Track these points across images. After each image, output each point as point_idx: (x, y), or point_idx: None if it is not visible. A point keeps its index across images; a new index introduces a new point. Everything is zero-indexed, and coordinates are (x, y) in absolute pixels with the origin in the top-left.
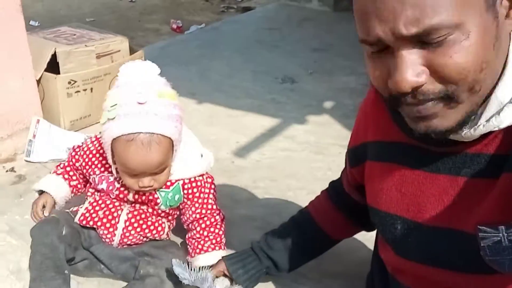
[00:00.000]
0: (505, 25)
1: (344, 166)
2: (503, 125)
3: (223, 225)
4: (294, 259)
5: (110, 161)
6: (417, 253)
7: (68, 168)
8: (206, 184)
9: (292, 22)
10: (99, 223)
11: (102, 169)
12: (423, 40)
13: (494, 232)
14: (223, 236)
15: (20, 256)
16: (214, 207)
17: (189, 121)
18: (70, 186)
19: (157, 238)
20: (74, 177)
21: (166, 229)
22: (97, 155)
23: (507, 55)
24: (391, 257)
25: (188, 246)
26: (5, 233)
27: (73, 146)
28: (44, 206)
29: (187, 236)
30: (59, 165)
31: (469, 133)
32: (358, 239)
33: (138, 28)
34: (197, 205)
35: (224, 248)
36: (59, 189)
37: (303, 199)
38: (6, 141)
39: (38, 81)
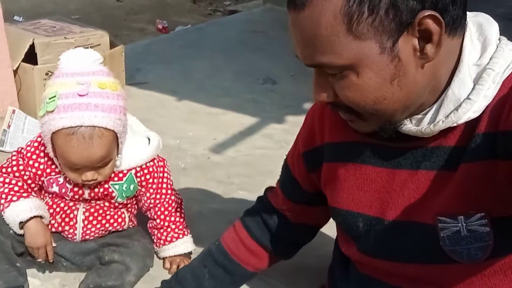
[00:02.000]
0: (446, 46)
1: (279, 179)
2: (461, 120)
3: (182, 210)
4: None
5: (51, 155)
6: (379, 249)
7: (21, 184)
8: (159, 168)
9: (278, 26)
10: (59, 228)
11: (48, 170)
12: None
13: (453, 222)
14: (184, 222)
15: None
16: (169, 191)
17: (169, 117)
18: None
19: (119, 229)
20: (30, 190)
21: (127, 219)
22: (42, 154)
23: (460, 55)
24: (354, 252)
25: (152, 236)
26: None
27: (14, 152)
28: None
29: (148, 226)
30: (4, 183)
31: (428, 129)
32: (328, 234)
33: (123, 27)
34: (151, 190)
35: (188, 234)
36: (40, 207)
37: None
38: None
39: (15, 72)
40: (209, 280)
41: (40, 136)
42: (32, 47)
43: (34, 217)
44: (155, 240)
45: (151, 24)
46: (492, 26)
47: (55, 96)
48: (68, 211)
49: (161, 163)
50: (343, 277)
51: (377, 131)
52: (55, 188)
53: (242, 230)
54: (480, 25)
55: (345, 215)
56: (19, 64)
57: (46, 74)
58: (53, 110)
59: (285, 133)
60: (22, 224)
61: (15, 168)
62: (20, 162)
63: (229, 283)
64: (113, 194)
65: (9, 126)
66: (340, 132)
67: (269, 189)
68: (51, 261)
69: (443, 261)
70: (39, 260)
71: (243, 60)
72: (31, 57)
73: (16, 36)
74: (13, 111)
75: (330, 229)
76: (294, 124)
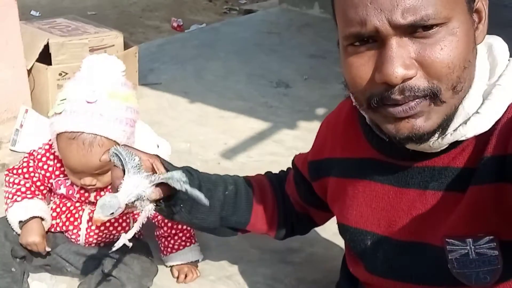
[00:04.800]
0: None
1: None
2: (470, 134)
3: None
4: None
5: (58, 153)
6: (386, 268)
7: (29, 185)
8: None
9: (292, 27)
10: (64, 228)
11: (57, 172)
12: (416, 31)
13: (462, 244)
14: (191, 230)
15: None
16: None
17: (179, 120)
18: (42, 200)
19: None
20: (37, 192)
21: (132, 224)
22: (52, 157)
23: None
24: (361, 271)
25: (159, 244)
26: None
27: (27, 153)
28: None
29: (156, 234)
30: (13, 183)
31: (437, 142)
32: (338, 247)
33: (138, 25)
34: None
35: (195, 242)
36: (42, 209)
37: None
38: None
39: (29, 71)
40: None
41: (49, 140)
42: (46, 46)
43: (34, 217)
44: (162, 248)
45: (166, 22)
46: (501, 47)
47: (65, 99)
48: (73, 211)
49: None
50: None
51: (401, 142)
52: (63, 190)
53: (265, 180)
54: (490, 46)
55: (353, 232)
56: (33, 63)
57: (60, 74)
58: (60, 113)
59: (296, 140)
60: (21, 224)
61: (25, 170)
62: (31, 164)
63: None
64: None
65: (21, 126)
66: (351, 148)
67: (294, 162)
68: (44, 253)
69: (453, 284)
70: (36, 253)
71: (257, 62)
72: (45, 56)
73: (31, 35)
74: (26, 111)
75: (338, 241)
76: (306, 130)
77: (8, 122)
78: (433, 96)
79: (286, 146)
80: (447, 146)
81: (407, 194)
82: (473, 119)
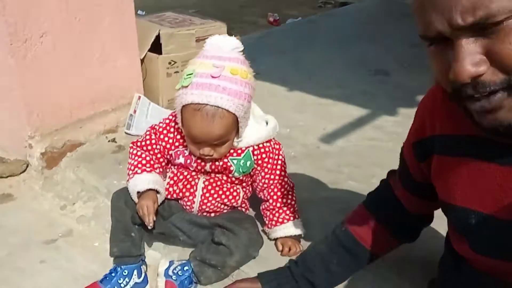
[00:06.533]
0: None
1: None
2: None
3: (294, 194)
4: (335, 279)
5: (179, 126)
6: (490, 247)
7: (149, 159)
8: (274, 150)
9: (390, 17)
10: (180, 194)
11: (177, 144)
12: (481, 29)
13: None
14: (295, 205)
15: None
16: (283, 173)
17: (279, 107)
18: (160, 174)
19: (234, 205)
20: (156, 165)
21: (242, 195)
22: (172, 130)
23: None
24: (465, 249)
25: (264, 217)
26: (104, 196)
27: (149, 128)
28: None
29: (261, 207)
30: (136, 155)
31: None
32: (438, 229)
33: (237, 20)
34: (266, 170)
35: (298, 217)
36: (158, 183)
37: None
38: (110, 114)
39: (142, 61)
40: (337, 265)
41: (172, 115)
42: (157, 37)
43: (151, 190)
44: (266, 222)
45: (262, 17)
46: None
47: (191, 73)
48: (190, 179)
49: (277, 146)
50: (454, 272)
51: (488, 134)
52: (181, 159)
53: (364, 212)
54: None
55: (457, 210)
56: (146, 53)
57: (169, 63)
58: (187, 86)
59: (396, 125)
60: (139, 194)
61: (148, 142)
62: (153, 137)
63: (354, 267)
64: (231, 168)
65: (135, 111)
66: (452, 124)
67: (391, 173)
68: (151, 223)
69: None
70: (145, 221)
71: (354, 52)
72: (155, 47)
73: (143, 27)
74: (139, 98)
75: (440, 223)
76: (406, 116)
77: (123, 108)
78: (510, 88)
79: (386, 131)
80: None
81: None
82: None
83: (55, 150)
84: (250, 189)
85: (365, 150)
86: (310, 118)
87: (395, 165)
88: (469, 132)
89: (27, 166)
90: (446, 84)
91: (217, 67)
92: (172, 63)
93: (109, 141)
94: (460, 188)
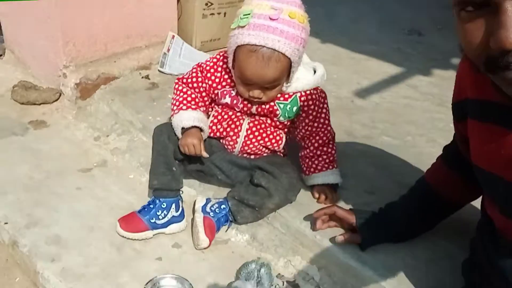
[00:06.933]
0: None
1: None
2: None
3: (334, 144)
4: (417, 228)
5: (230, 66)
6: None
7: (194, 96)
8: (320, 98)
9: None
10: (224, 133)
11: (224, 83)
12: None
13: None
14: (335, 154)
15: (149, 151)
16: (327, 122)
17: (312, 58)
18: (203, 112)
19: (275, 149)
20: (200, 103)
21: (284, 140)
22: (219, 69)
23: None
24: (496, 214)
25: (302, 164)
26: (138, 131)
27: (195, 65)
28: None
29: (300, 154)
30: (181, 91)
31: None
32: None
33: None
34: (311, 117)
35: (337, 167)
36: (203, 121)
37: (422, 145)
38: (143, 51)
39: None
40: (418, 215)
41: (219, 54)
42: None
43: (195, 127)
44: (304, 168)
45: None
46: None
47: (249, 14)
48: (235, 119)
49: (323, 94)
50: (491, 236)
51: None
52: (227, 99)
53: (441, 165)
54: None
55: (486, 175)
56: None
57: (206, 4)
58: (244, 26)
59: (431, 86)
60: (183, 130)
61: (194, 79)
62: (199, 75)
63: (433, 217)
64: (277, 112)
65: (168, 50)
66: (481, 91)
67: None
68: (203, 155)
69: None
70: (191, 155)
71: (387, 9)
72: None
73: None
74: (173, 36)
75: None
76: (440, 77)
77: (157, 46)
78: None
79: (420, 91)
80: None
81: None
82: None
83: (89, 81)
84: (290, 135)
85: (400, 108)
86: (344, 72)
87: (430, 125)
88: (494, 98)
89: (60, 95)
90: (479, 54)
91: (276, 9)
92: (209, 4)
93: (142, 77)
94: (487, 154)
